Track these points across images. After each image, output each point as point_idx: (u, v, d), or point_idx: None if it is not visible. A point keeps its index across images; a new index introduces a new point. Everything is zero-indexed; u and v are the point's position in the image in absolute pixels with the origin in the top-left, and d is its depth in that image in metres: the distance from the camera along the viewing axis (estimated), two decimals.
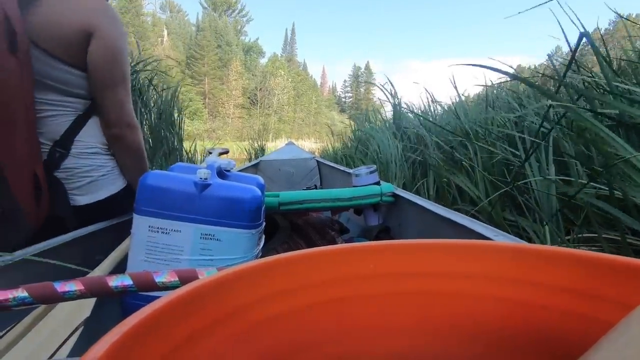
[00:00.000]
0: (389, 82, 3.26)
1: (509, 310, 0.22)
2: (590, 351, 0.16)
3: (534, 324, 0.21)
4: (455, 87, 2.57)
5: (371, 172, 1.13)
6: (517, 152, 1.46)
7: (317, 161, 2.59)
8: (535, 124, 1.49)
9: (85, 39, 0.81)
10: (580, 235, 1.02)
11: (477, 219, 1.38)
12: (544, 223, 1.08)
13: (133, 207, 0.62)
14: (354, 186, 1.11)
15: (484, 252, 0.23)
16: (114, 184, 0.90)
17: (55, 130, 0.82)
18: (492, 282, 0.22)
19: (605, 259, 0.20)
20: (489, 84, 2.40)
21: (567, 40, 1.15)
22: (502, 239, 0.58)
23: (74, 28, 0.80)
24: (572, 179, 1.13)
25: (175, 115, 3.40)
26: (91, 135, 0.88)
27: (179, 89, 3.60)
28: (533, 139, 1.31)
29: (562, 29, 1.23)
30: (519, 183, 1.26)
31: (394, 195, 1.08)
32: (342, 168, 2.08)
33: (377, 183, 1.12)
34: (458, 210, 1.55)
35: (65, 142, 0.83)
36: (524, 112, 1.65)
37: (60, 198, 0.82)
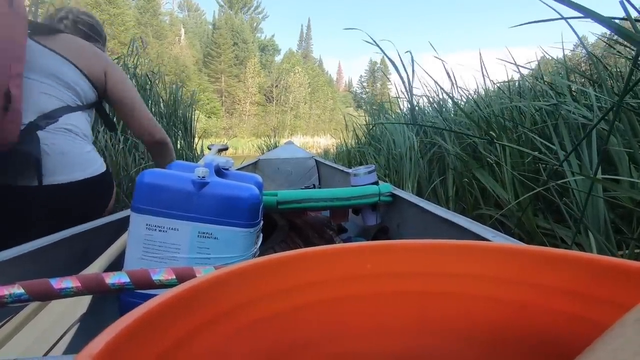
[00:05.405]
0: (403, 69, 2.64)
1: (506, 311, 0.22)
2: (584, 353, 0.16)
3: (531, 325, 0.21)
4: (485, 74, 2.24)
5: (369, 172, 1.13)
6: (552, 146, 1.22)
7: (316, 160, 2.59)
8: (574, 113, 1.27)
9: (100, 73, 1.05)
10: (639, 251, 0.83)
11: (505, 225, 1.27)
12: (589, 233, 0.88)
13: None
14: (353, 186, 1.11)
15: (482, 252, 0.23)
16: (90, 167, 0.97)
17: (43, 105, 0.91)
18: (489, 282, 0.22)
19: (603, 261, 0.20)
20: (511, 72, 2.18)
21: None
22: (500, 239, 0.59)
23: (92, 60, 1.03)
24: (622, 178, 0.93)
25: (180, 112, 3.36)
26: (77, 121, 0.97)
27: (181, 89, 3.56)
28: (585, 121, 1.05)
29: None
30: (557, 182, 1.06)
31: (392, 195, 1.08)
32: (340, 168, 2.08)
33: (376, 183, 1.12)
34: (482, 215, 1.43)
35: (48, 118, 0.91)
36: (561, 99, 1.40)
37: (30, 169, 0.86)
